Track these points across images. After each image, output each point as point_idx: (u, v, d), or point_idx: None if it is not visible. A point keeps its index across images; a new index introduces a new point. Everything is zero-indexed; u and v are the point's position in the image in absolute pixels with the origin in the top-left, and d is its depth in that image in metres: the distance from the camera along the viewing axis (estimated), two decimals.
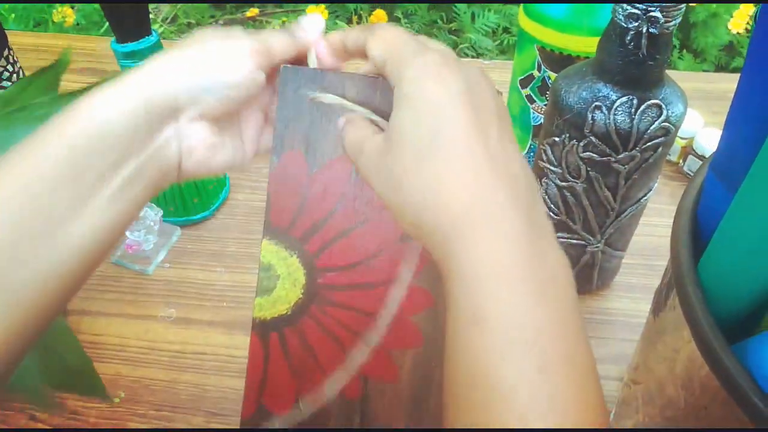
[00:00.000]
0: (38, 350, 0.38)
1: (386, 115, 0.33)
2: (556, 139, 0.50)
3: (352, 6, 1.85)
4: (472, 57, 1.74)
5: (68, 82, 0.57)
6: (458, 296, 0.26)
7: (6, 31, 0.65)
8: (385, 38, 0.31)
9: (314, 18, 0.36)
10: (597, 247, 0.55)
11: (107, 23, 0.54)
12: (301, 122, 0.36)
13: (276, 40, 0.34)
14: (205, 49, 0.32)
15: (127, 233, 0.61)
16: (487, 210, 0.27)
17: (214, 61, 0.32)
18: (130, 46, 0.53)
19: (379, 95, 0.35)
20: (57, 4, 1.72)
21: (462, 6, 1.78)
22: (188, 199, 0.64)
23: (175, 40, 1.91)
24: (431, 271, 0.37)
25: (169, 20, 1.95)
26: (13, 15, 1.72)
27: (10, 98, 0.41)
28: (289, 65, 0.36)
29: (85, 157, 0.29)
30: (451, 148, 0.27)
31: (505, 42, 1.77)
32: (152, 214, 0.60)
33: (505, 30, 1.80)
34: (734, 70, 1.69)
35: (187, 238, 0.65)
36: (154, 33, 0.55)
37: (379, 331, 0.38)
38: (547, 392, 0.24)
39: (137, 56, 0.54)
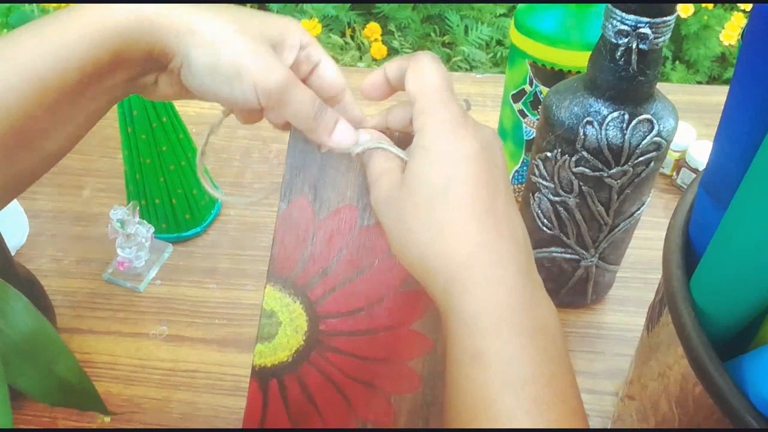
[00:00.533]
0: (37, 370, 0.38)
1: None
2: (549, 154, 0.50)
3: (345, 19, 1.86)
4: (466, 70, 1.74)
5: None
6: (459, 335, 0.28)
7: None
8: (421, 76, 0.32)
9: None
10: (591, 261, 0.55)
11: None
12: (309, 170, 0.37)
13: (298, 103, 0.33)
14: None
15: (119, 250, 0.60)
16: (489, 259, 0.29)
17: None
18: None
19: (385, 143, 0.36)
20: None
21: (455, 19, 1.79)
22: (180, 215, 0.63)
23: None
24: (431, 316, 0.38)
25: None
26: (5, 30, 1.72)
27: None
28: (297, 131, 0.36)
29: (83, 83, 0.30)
30: (461, 200, 0.29)
31: (499, 54, 1.77)
32: (144, 231, 0.60)
33: (499, 42, 1.81)
34: (726, 82, 1.70)
35: (178, 254, 0.65)
36: None
37: (379, 376, 0.39)
38: (542, 425, 0.26)
39: None
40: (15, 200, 0.66)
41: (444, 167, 0.30)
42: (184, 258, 0.65)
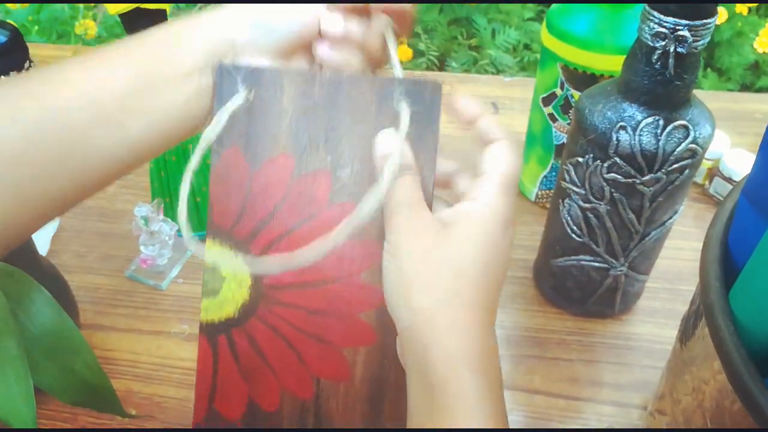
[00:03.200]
0: (57, 367, 0.37)
1: (321, 119, 0.36)
2: (580, 159, 0.48)
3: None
4: (492, 73, 1.73)
5: None
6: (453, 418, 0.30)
7: (28, 43, 0.66)
8: (497, 160, 0.33)
9: None
10: (620, 270, 0.53)
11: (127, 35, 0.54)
12: (239, 118, 0.35)
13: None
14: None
15: (142, 248, 0.60)
16: (484, 368, 0.30)
17: (275, 8, 0.35)
18: None
19: (317, 90, 0.35)
20: (79, 17, 1.74)
21: (482, 22, 1.77)
22: (204, 213, 0.63)
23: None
24: (380, 267, 0.36)
25: None
26: (36, 27, 1.75)
27: None
28: (224, 63, 0.35)
29: (167, 74, 0.34)
30: (479, 300, 0.31)
31: (526, 59, 1.76)
32: (168, 229, 0.60)
33: (526, 46, 1.79)
34: (760, 90, 1.67)
35: None
36: None
37: (329, 330, 0.37)
38: None
39: None
40: None
41: (490, 256, 0.32)
42: None
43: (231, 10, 0.35)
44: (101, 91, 0.33)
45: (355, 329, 0.37)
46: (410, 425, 0.31)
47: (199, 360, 0.37)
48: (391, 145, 0.34)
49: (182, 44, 0.35)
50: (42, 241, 0.64)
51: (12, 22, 0.63)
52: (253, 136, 0.36)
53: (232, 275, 0.37)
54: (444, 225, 0.32)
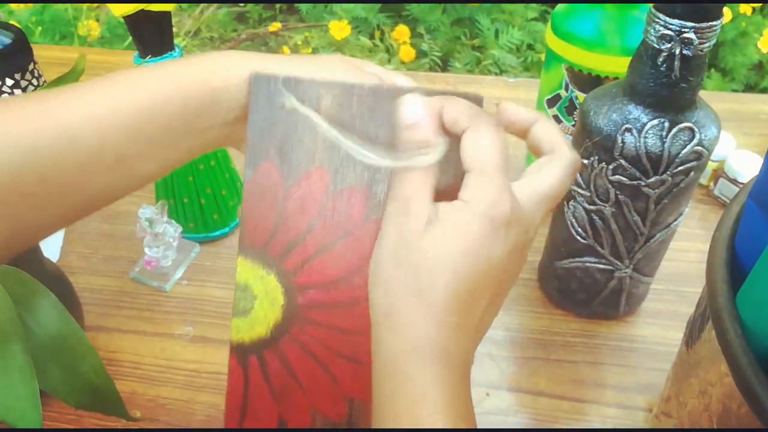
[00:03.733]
0: (62, 370, 0.37)
1: (362, 126, 0.34)
2: (585, 161, 0.48)
3: (374, 21, 1.85)
4: (496, 74, 1.73)
5: None
6: (396, 398, 0.29)
7: (32, 44, 0.66)
8: (478, 147, 0.31)
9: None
10: (625, 272, 0.53)
11: (131, 37, 0.54)
12: (274, 132, 0.34)
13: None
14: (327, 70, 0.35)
15: (146, 249, 0.60)
16: (438, 357, 0.29)
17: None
18: (153, 61, 0.53)
19: (356, 102, 0.34)
20: (83, 18, 1.74)
21: (486, 22, 1.77)
22: (208, 215, 0.63)
23: (198, 54, 1.92)
24: None
25: (192, 34, 1.97)
26: (39, 28, 1.75)
27: None
28: (259, 74, 0.34)
29: (192, 116, 0.32)
30: (452, 295, 0.29)
31: (529, 59, 1.76)
32: (171, 231, 0.60)
33: (529, 47, 1.79)
34: (764, 90, 1.66)
35: (205, 254, 0.65)
36: (177, 48, 0.55)
37: (361, 350, 0.36)
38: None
39: None
40: None
41: (460, 260, 0.29)
42: (211, 258, 0.64)
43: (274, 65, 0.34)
44: (126, 141, 0.31)
45: None
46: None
47: (230, 381, 0.36)
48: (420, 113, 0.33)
49: (221, 100, 0.33)
50: (52, 248, 0.64)
51: (16, 23, 0.63)
52: (287, 150, 0.35)
53: (264, 294, 0.36)
54: (428, 222, 0.30)
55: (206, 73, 0.33)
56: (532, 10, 1.80)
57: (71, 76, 0.42)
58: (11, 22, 0.69)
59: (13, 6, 1.74)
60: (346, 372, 0.36)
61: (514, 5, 1.79)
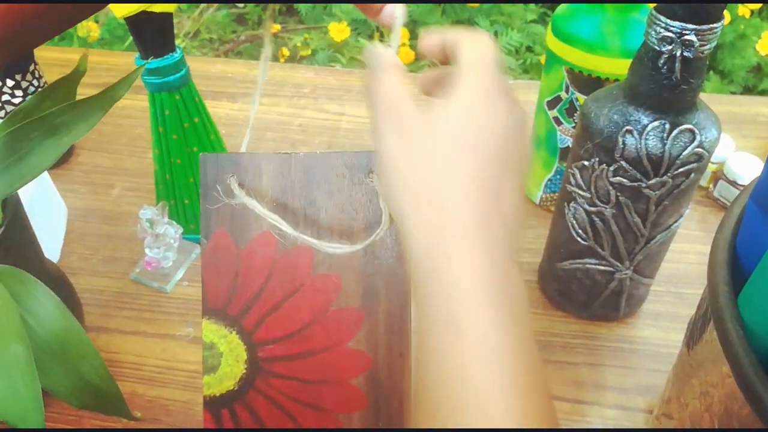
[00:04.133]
0: (64, 370, 0.38)
1: (299, 197, 0.38)
2: (586, 163, 0.48)
3: (374, 23, 1.85)
4: None
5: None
6: (435, 302, 0.27)
7: None
8: (477, 45, 0.31)
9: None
10: (625, 273, 0.53)
11: (131, 38, 0.54)
12: (224, 209, 0.38)
13: None
14: None
15: (147, 250, 0.60)
16: (482, 237, 0.28)
17: None
18: (154, 63, 0.53)
19: (293, 169, 0.38)
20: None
21: (485, 24, 1.77)
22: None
23: (198, 55, 1.92)
24: (367, 331, 0.39)
25: (191, 35, 1.97)
26: None
27: (29, 109, 0.41)
28: (206, 153, 0.38)
29: None
30: (475, 173, 0.28)
31: (529, 61, 1.76)
32: (172, 231, 0.60)
33: (528, 49, 1.79)
34: (762, 93, 1.67)
35: None
36: (178, 49, 0.55)
37: (324, 398, 0.39)
38: (512, 394, 0.26)
39: (161, 72, 0.54)
40: (61, 201, 0.66)
41: (462, 130, 0.29)
42: None
43: None
44: None
45: (347, 395, 0.39)
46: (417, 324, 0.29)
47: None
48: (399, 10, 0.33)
49: None
50: (52, 248, 0.64)
51: None
52: (238, 218, 0.38)
53: (229, 351, 0.39)
54: (424, 121, 0.29)
55: None
56: (531, 12, 1.80)
57: (73, 76, 0.42)
58: None
59: None
60: (312, 420, 0.40)
61: (513, 7, 1.79)
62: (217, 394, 0.39)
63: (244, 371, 0.39)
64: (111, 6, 0.51)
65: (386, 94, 0.30)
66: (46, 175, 0.64)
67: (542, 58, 0.62)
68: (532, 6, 1.81)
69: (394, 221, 0.31)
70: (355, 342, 0.39)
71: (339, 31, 1.74)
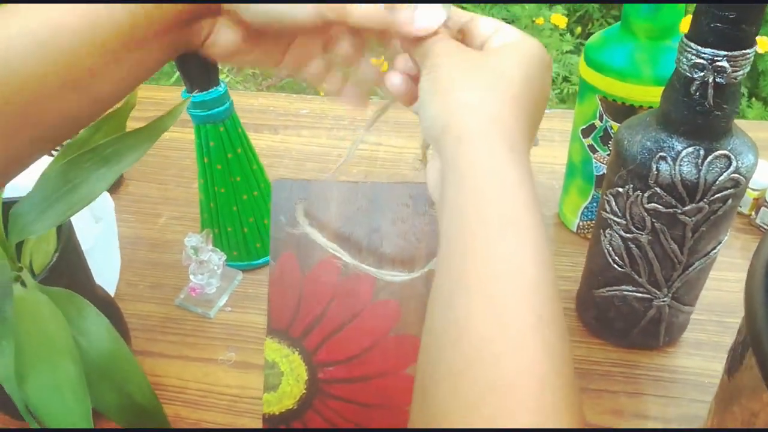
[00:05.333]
0: (112, 389, 0.39)
1: (364, 224, 0.39)
2: (620, 189, 0.49)
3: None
4: None
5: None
6: (455, 182, 0.29)
7: None
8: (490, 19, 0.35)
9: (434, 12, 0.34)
10: (664, 301, 0.53)
11: (177, 73, 0.57)
12: (293, 228, 0.39)
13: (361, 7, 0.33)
14: None
15: (191, 276, 0.62)
16: (502, 130, 0.30)
17: None
18: (200, 96, 0.56)
19: (359, 197, 0.39)
20: None
21: None
22: (251, 243, 0.65)
23: (241, 89, 1.98)
24: None
25: (235, 70, 2.03)
26: None
27: (81, 142, 0.43)
28: (279, 180, 0.40)
29: (143, 27, 0.30)
30: (517, 89, 0.31)
31: (565, 91, 1.76)
32: (216, 258, 0.62)
33: (565, 79, 1.79)
34: None
35: (248, 282, 0.67)
36: (222, 83, 0.58)
37: (379, 422, 0.40)
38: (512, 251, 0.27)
39: (206, 106, 0.56)
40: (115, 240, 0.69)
41: (531, 69, 0.32)
42: (254, 286, 0.66)
43: None
44: (72, 57, 0.29)
45: (402, 422, 0.39)
46: (440, 213, 0.30)
47: None
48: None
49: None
50: (109, 281, 0.66)
51: None
52: (304, 242, 0.40)
53: (290, 370, 0.41)
54: (483, 53, 0.33)
55: None
56: (567, 43, 1.81)
57: (123, 109, 0.44)
58: None
59: None
60: None
61: (550, 38, 1.80)
62: (276, 413, 0.40)
63: (304, 391, 0.40)
64: None
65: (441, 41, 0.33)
66: (113, 220, 0.66)
67: (576, 107, 0.63)
68: (568, 37, 1.82)
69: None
70: (413, 369, 0.39)
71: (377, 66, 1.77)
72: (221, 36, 0.34)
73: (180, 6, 0.31)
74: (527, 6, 1.79)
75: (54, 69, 0.28)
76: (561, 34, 1.82)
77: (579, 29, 1.90)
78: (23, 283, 0.39)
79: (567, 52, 1.81)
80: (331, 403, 0.40)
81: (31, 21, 0.28)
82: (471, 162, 0.29)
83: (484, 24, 0.35)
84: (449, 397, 0.25)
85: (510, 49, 0.33)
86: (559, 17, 1.75)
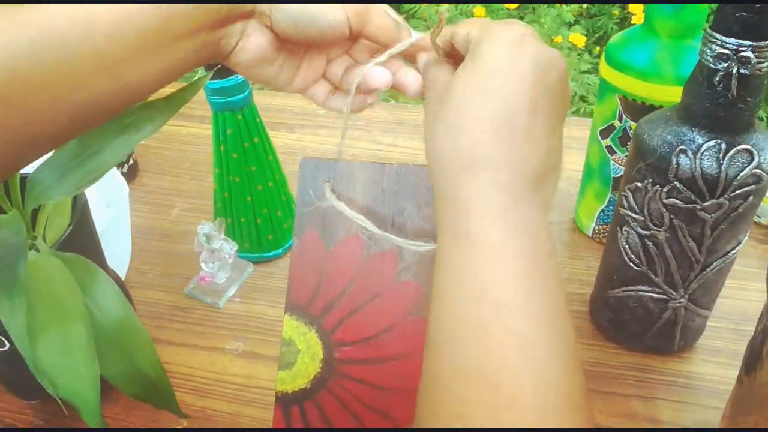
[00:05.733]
0: (121, 358, 0.39)
1: (389, 205, 0.39)
2: (639, 184, 0.48)
3: None
4: None
5: None
6: (451, 218, 0.30)
7: None
8: (475, 23, 0.35)
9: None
10: (680, 302, 0.52)
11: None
12: (318, 209, 0.40)
13: (380, 19, 0.36)
14: None
15: (202, 265, 0.62)
16: (497, 169, 0.30)
17: None
18: (219, 83, 0.56)
19: (385, 179, 0.39)
20: None
21: None
22: (263, 235, 0.65)
23: (258, 88, 1.99)
24: None
25: None
26: None
27: None
28: (306, 158, 0.40)
29: (179, 24, 0.31)
30: (486, 108, 0.31)
31: (582, 111, 1.76)
32: (228, 248, 0.62)
33: (582, 99, 1.79)
34: None
35: (258, 274, 0.66)
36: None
37: (394, 406, 0.39)
38: (524, 290, 0.28)
39: (225, 93, 0.57)
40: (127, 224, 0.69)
41: (484, 76, 0.31)
42: (264, 278, 0.66)
43: None
44: (110, 43, 0.30)
45: None
46: (435, 265, 0.31)
47: (274, 427, 0.41)
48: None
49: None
50: (120, 266, 0.66)
51: None
52: (328, 220, 0.40)
53: (306, 349, 0.40)
54: (454, 76, 0.33)
55: None
56: (585, 63, 1.81)
57: None
58: None
59: None
60: (377, 426, 0.40)
61: (567, 57, 1.81)
62: (290, 391, 0.40)
63: (319, 370, 0.40)
64: None
65: (428, 80, 0.35)
66: (126, 205, 0.67)
67: (595, 108, 0.63)
68: (586, 56, 1.83)
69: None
70: None
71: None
72: (251, 40, 0.35)
73: (217, 6, 0.33)
74: (546, 24, 1.80)
75: (91, 50, 0.29)
76: (579, 54, 1.82)
77: (597, 49, 1.90)
78: (37, 250, 0.39)
79: (584, 71, 1.82)
80: (345, 384, 0.39)
81: (73, 7, 0.29)
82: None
83: (464, 35, 0.35)
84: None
85: (482, 56, 0.32)
86: (577, 36, 1.75)
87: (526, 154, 0.31)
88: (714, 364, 0.57)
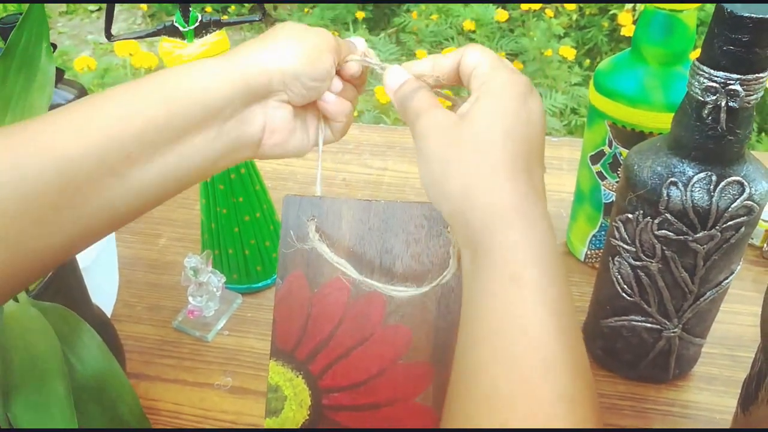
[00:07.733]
0: (101, 410, 0.38)
1: (376, 244, 0.38)
2: (630, 215, 0.48)
3: None
4: None
5: None
6: (497, 262, 0.30)
7: None
8: (482, 49, 0.36)
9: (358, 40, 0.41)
10: (674, 332, 0.51)
11: None
12: (302, 249, 0.38)
13: (343, 44, 0.39)
14: (296, 40, 0.35)
15: (190, 299, 0.61)
16: (531, 209, 0.32)
17: (305, 52, 0.35)
18: None
19: (372, 216, 0.38)
20: None
21: None
22: (252, 266, 0.64)
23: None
24: (435, 388, 0.37)
25: None
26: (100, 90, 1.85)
27: None
28: (290, 196, 0.39)
29: (181, 118, 0.32)
30: (516, 154, 0.32)
31: (573, 123, 1.76)
32: (215, 281, 0.61)
33: (573, 111, 1.79)
34: None
35: (248, 306, 0.65)
36: None
37: None
38: (557, 328, 0.30)
39: None
40: (114, 256, 0.68)
41: (508, 120, 0.32)
42: (253, 309, 0.65)
43: (254, 56, 0.35)
44: (108, 140, 0.30)
45: None
46: (463, 304, 0.32)
47: None
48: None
49: (206, 85, 0.33)
50: (107, 301, 0.65)
51: (79, 82, 0.67)
52: (314, 261, 0.38)
53: (293, 395, 0.39)
54: (460, 117, 0.33)
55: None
56: (576, 75, 1.82)
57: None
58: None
59: (77, 69, 1.85)
60: None
61: (558, 70, 1.81)
62: None
63: (307, 417, 0.38)
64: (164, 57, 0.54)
65: (421, 103, 0.35)
66: (112, 239, 0.65)
67: (585, 133, 0.62)
68: (576, 69, 1.83)
69: (445, 217, 0.33)
70: (422, 398, 0.38)
71: (384, 93, 1.78)
72: (277, 116, 0.36)
73: (227, 91, 0.33)
74: (536, 38, 1.80)
75: (93, 150, 0.30)
76: (569, 66, 1.82)
77: (588, 62, 1.91)
78: (16, 298, 0.38)
79: (575, 84, 1.82)
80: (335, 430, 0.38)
81: (92, 134, 0.30)
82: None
83: (459, 66, 0.36)
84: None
85: (483, 106, 0.33)
86: (567, 49, 1.75)
87: (537, 189, 0.33)
88: (710, 392, 0.56)
